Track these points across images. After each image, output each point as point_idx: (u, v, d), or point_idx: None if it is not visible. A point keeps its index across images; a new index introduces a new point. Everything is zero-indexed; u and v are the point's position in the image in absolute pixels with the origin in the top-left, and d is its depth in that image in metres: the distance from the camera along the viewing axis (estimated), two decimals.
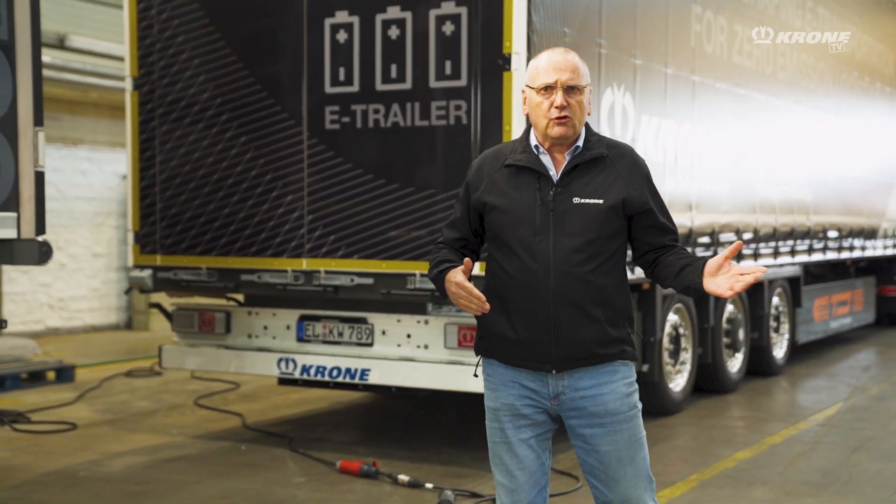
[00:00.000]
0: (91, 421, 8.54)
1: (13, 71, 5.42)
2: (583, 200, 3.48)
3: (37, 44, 5.53)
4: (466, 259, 3.45)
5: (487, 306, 3.42)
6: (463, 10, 6.63)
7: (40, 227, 5.59)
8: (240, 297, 8.11)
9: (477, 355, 3.70)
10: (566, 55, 3.52)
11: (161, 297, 8.53)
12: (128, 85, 7.75)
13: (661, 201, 3.64)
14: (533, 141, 3.57)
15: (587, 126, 3.59)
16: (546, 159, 3.53)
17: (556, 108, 3.45)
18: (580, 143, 3.55)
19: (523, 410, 3.54)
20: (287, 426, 8.35)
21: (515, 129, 6.40)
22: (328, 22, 7.05)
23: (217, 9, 7.43)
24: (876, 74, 13.92)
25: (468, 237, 3.70)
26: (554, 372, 3.50)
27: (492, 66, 6.56)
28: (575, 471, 6.76)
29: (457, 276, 3.43)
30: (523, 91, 3.57)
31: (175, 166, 7.58)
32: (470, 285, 3.40)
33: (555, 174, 3.52)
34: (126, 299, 15.45)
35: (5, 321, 5.64)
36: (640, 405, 3.59)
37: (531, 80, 3.55)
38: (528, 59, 6.47)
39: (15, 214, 5.46)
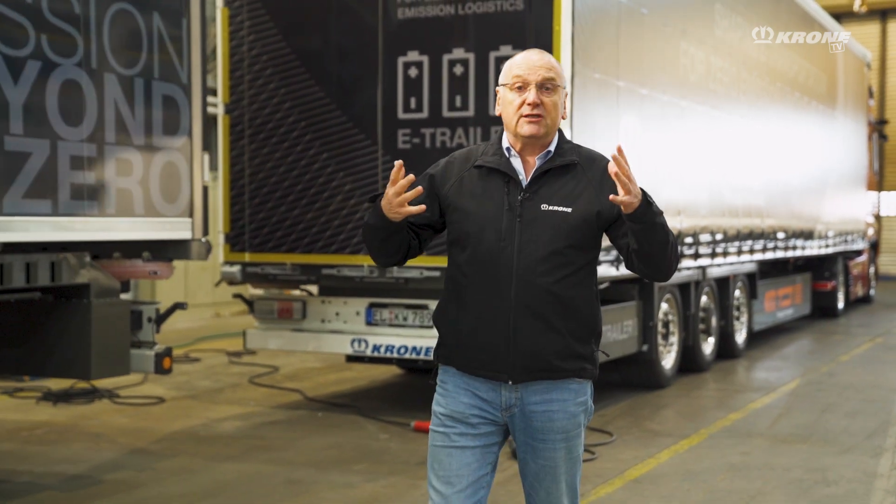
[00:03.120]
0: (172, 396, 9.88)
1: (190, 107, 6.82)
2: (551, 208, 3.37)
3: (205, 84, 6.93)
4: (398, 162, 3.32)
5: (408, 189, 3.30)
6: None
7: (205, 230, 6.99)
8: (311, 288, 9.55)
9: (435, 361, 3.62)
10: (542, 55, 3.44)
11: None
12: (220, 110, 9.12)
13: None
14: (505, 143, 3.47)
15: (560, 133, 3.51)
16: (517, 162, 3.43)
17: (529, 104, 3.36)
18: (552, 148, 3.45)
19: (472, 420, 3.47)
20: (343, 398, 9.78)
21: None
22: (401, 60, 8.52)
23: (303, 47, 8.84)
24: (812, 94, 15.77)
25: (417, 220, 3.52)
26: (510, 383, 3.42)
27: None
28: (606, 427, 8.35)
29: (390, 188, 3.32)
30: (497, 90, 3.51)
31: (262, 178, 8.98)
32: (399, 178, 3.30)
33: (524, 178, 3.42)
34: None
35: (185, 304, 7.04)
36: (584, 424, 3.55)
37: (505, 76, 3.46)
38: (573, 95, 8.05)
39: (191, 220, 6.86)
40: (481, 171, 3.45)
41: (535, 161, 3.44)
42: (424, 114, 8.47)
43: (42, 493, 6.46)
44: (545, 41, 8.04)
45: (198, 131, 6.89)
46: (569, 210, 3.36)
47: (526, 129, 3.38)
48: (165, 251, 6.88)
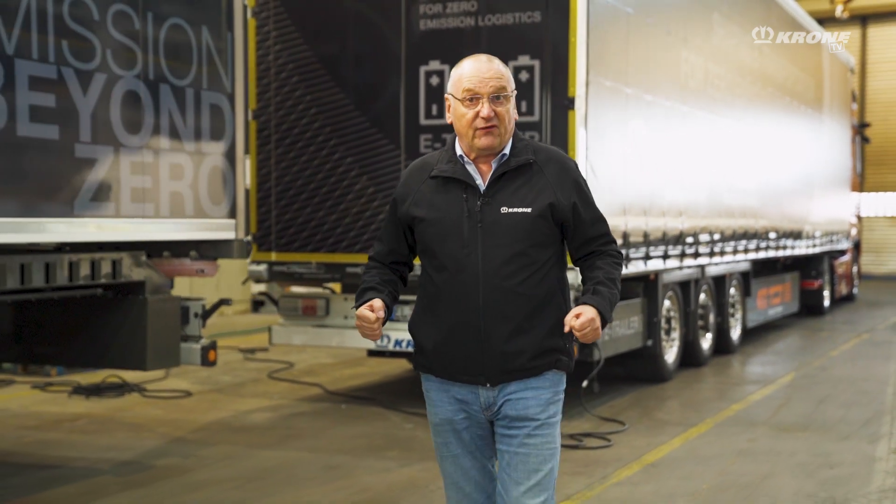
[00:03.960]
0: (197, 390, 10.29)
1: (234, 114, 7.25)
2: (510, 210, 3.41)
3: (246, 92, 7.36)
4: (378, 304, 3.49)
5: (377, 334, 3.49)
6: (536, 63, 8.60)
7: (246, 230, 7.43)
8: (334, 286, 9.99)
9: (416, 371, 3.69)
10: (490, 63, 3.44)
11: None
12: (248, 115, 9.54)
13: (593, 206, 3.58)
14: (458, 151, 3.50)
15: (514, 132, 3.53)
16: (472, 169, 3.46)
17: (483, 118, 3.38)
18: (507, 150, 3.47)
19: (461, 424, 3.57)
20: (362, 392, 10.22)
21: (580, 154, 8.40)
22: (423, 69, 8.96)
23: (327, 56, 9.27)
24: (801, 98, 16.31)
25: (398, 250, 3.68)
26: (488, 385, 3.49)
27: (559, 105, 8.54)
28: (618, 416, 8.82)
29: (364, 310, 3.47)
30: (447, 98, 3.53)
31: (289, 181, 9.40)
32: (368, 314, 3.45)
33: (482, 184, 3.45)
34: None
35: (230, 300, 7.47)
36: (559, 417, 3.58)
37: (455, 88, 3.47)
38: (587, 103, 8.51)
39: (234, 221, 7.29)
40: (438, 181, 3.50)
41: (491, 165, 3.48)
42: (445, 120, 8.88)
43: (99, 478, 6.88)
44: (562, 51, 8.50)
45: (240, 137, 7.32)
46: (528, 210, 3.42)
47: (482, 141, 3.42)
48: (210, 250, 7.30)
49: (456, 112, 3.47)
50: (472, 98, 3.40)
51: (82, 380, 10.41)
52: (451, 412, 3.56)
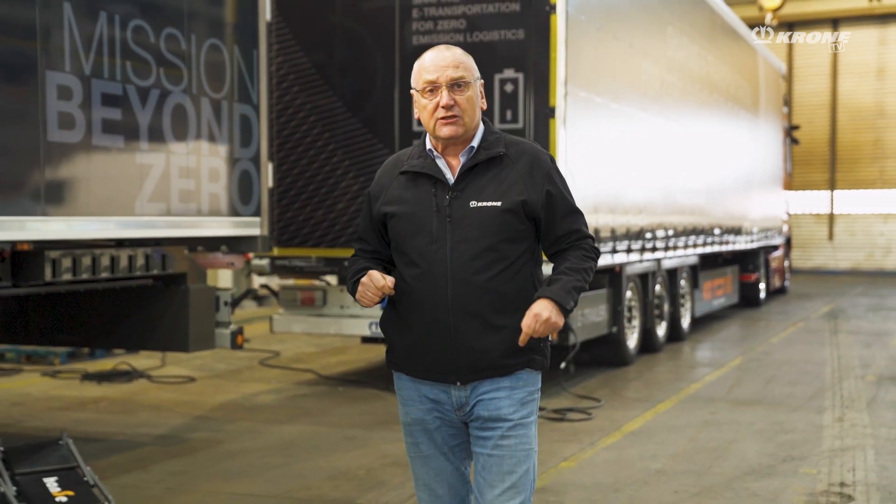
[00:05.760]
0: (199, 376, 11.08)
1: (259, 123, 8.09)
2: (480, 204, 3.34)
3: (265, 103, 8.20)
4: (387, 278, 3.38)
5: (388, 291, 3.37)
6: (520, 76, 9.54)
7: (268, 228, 8.27)
8: (329, 279, 10.85)
9: (388, 368, 3.60)
10: (449, 51, 3.38)
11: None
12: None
13: (567, 199, 3.47)
14: (428, 145, 3.44)
15: (486, 124, 3.48)
16: (441, 163, 3.40)
17: (443, 107, 3.31)
18: (475, 143, 3.41)
19: (433, 424, 3.48)
20: (353, 376, 11.09)
21: (560, 158, 9.35)
22: None
23: (326, 67, 10.14)
24: (740, 103, 17.49)
25: (377, 248, 3.58)
26: (458, 384, 3.41)
27: (541, 114, 9.49)
28: (592, 394, 9.80)
29: (373, 274, 3.38)
30: (412, 93, 3.46)
31: (289, 182, 10.24)
32: (378, 277, 3.36)
33: (451, 178, 3.38)
34: None
35: (256, 290, 8.30)
36: (534, 417, 3.48)
37: (416, 81, 3.39)
38: (566, 112, 9.48)
39: (259, 219, 8.13)
40: (408, 177, 3.43)
41: (460, 159, 3.41)
42: None
43: (144, 448, 7.69)
44: (543, 65, 9.45)
45: (264, 144, 8.17)
46: (498, 204, 3.34)
47: (444, 131, 3.35)
48: (240, 245, 8.14)
49: (418, 105, 3.42)
50: (432, 89, 3.35)
51: (88, 367, 11.13)
52: (422, 412, 3.49)
